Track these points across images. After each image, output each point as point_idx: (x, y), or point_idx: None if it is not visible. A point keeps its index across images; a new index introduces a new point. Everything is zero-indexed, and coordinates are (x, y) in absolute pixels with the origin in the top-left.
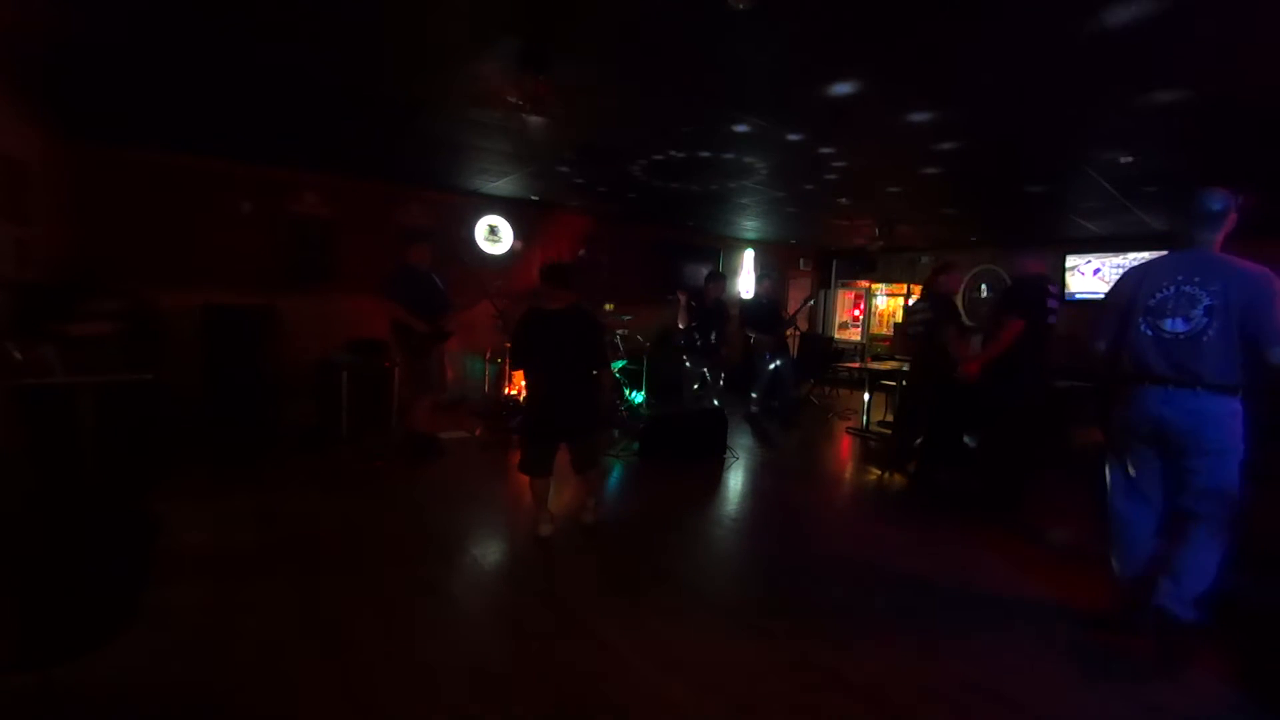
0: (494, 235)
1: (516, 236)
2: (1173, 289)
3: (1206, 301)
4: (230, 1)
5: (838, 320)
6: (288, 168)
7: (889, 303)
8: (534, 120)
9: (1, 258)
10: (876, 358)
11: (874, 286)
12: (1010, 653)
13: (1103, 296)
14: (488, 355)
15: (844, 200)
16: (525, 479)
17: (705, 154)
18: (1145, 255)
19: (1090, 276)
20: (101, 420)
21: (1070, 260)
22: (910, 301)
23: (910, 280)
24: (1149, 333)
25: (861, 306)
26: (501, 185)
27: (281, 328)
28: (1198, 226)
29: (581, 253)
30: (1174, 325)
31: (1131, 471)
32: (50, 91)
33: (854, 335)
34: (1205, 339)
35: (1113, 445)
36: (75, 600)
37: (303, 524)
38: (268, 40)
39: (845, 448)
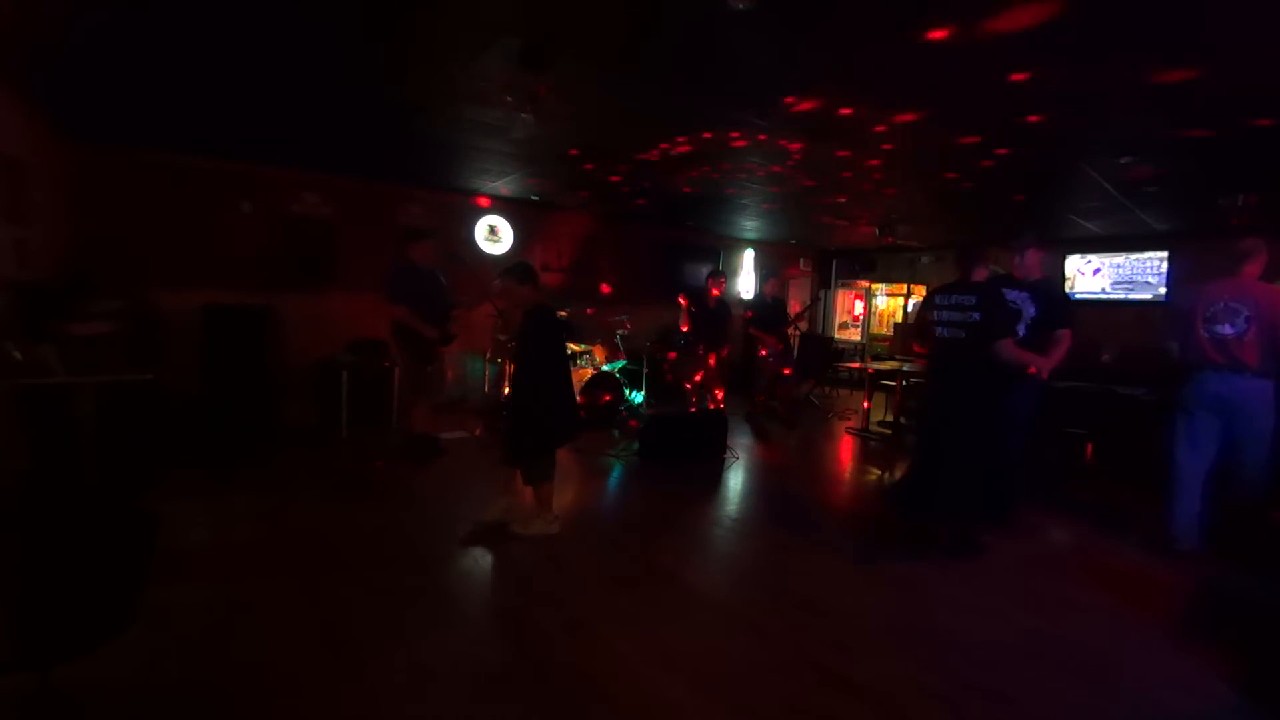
0: (494, 235)
1: (515, 235)
2: (1222, 304)
3: (1246, 313)
4: (230, 2)
5: (838, 320)
6: (288, 168)
7: (889, 303)
8: (532, 119)
9: (1, 258)
10: (876, 358)
11: (874, 286)
12: (1011, 653)
13: (1173, 309)
14: (488, 355)
15: (843, 199)
16: (528, 488)
17: (704, 152)
18: (1145, 255)
19: (1090, 276)
20: (101, 420)
21: (1070, 260)
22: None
23: (910, 280)
24: (1206, 335)
25: (864, 305)
26: (501, 185)
27: (281, 328)
28: (1237, 261)
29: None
30: (1224, 330)
31: (1193, 432)
32: (51, 91)
33: (854, 335)
34: (1246, 339)
35: (1180, 413)
36: (75, 600)
37: (302, 523)
38: (267, 40)
39: (845, 448)
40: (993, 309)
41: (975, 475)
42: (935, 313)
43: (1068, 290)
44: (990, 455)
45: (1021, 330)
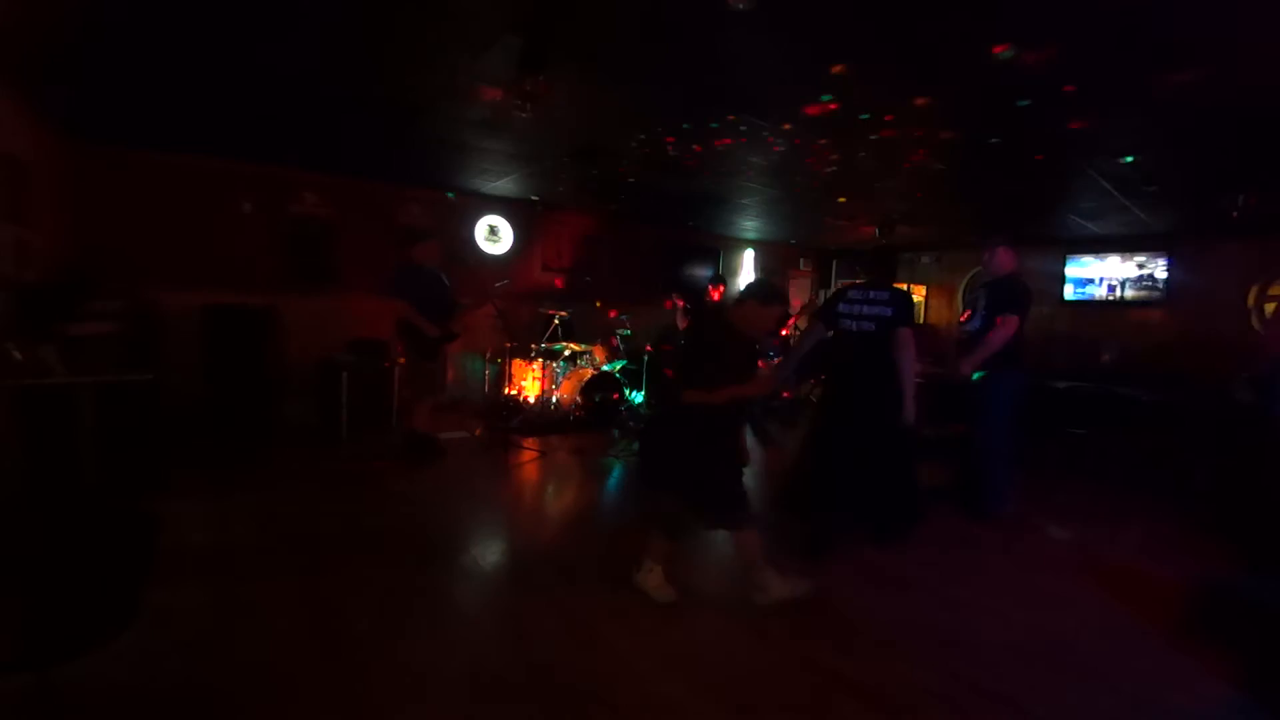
0: (494, 235)
1: (515, 235)
2: None
3: None
4: (230, 1)
5: None
6: (288, 168)
7: None
8: (531, 119)
9: (1, 258)
10: None
11: None
12: (1012, 653)
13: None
14: (488, 355)
15: (843, 199)
16: (746, 536)
17: (703, 153)
18: (1145, 255)
19: (1090, 276)
20: (101, 420)
21: (1070, 260)
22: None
23: (910, 280)
24: None
25: None
26: (501, 185)
27: (282, 328)
28: None
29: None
30: None
31: None
32: (51, 91)
33: None
34: None
35: None
36: (75, 600)
37: (302, 524)
38: (268, 40)
39: None
40: (901, 305)
41: (878, 478)
42: (844, 306)
43: (1069, 292)
44: (893, 459)
45: (978, 320)
